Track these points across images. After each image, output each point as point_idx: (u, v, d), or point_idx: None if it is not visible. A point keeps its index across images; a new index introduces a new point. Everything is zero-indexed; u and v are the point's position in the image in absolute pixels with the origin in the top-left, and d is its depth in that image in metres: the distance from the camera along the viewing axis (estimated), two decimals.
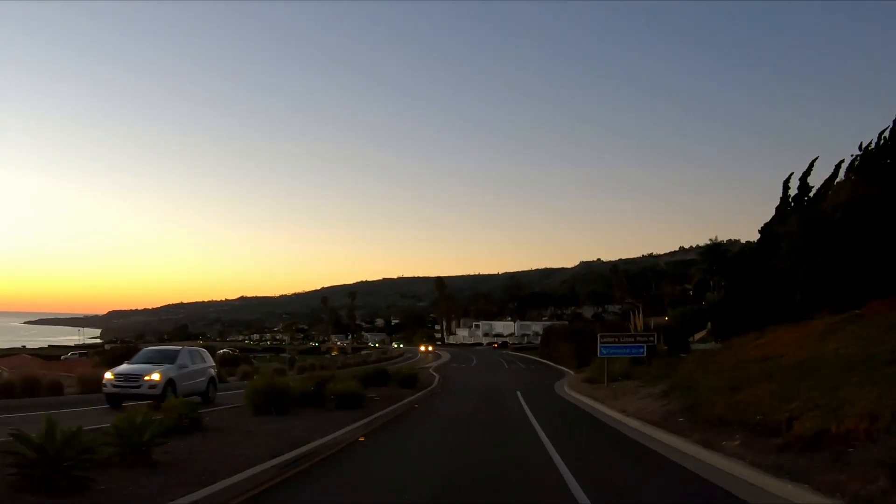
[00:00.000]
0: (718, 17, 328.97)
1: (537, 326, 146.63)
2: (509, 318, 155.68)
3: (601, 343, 23.20)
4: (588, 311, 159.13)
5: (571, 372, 38.93)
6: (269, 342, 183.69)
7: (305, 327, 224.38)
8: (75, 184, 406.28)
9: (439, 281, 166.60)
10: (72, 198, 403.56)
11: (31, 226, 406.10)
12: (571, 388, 25.78)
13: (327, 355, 79.72)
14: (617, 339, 23.91)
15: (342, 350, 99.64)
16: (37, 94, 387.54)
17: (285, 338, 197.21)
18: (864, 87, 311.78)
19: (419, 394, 22.16)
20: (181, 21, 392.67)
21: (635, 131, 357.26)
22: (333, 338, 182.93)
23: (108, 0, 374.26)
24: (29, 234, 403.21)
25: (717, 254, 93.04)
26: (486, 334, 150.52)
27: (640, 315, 38.87)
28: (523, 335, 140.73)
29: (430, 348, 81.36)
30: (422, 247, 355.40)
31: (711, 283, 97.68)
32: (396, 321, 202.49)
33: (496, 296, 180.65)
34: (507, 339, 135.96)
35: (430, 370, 41.88)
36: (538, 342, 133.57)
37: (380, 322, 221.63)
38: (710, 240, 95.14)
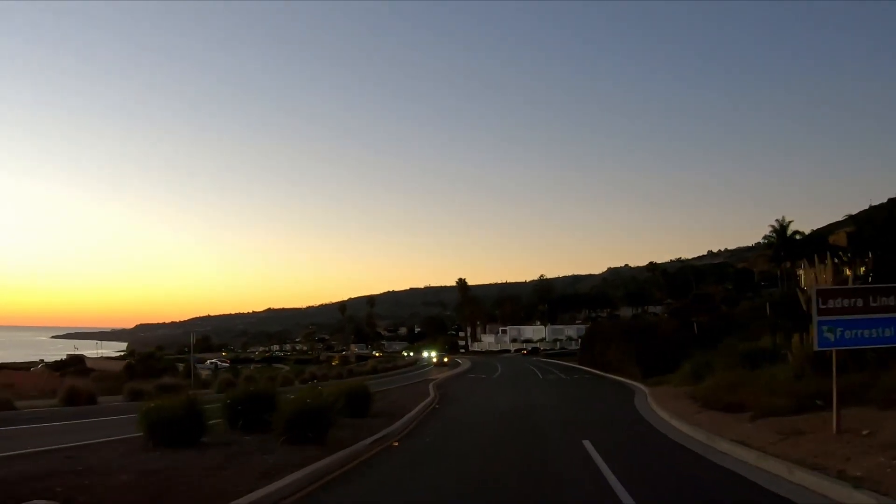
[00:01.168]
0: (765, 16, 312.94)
1: (571, 330, 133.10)
2: (539, 323, 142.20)
3: (826, 318, 9.37)
4: (626, 313, 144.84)
5: (641, 386, 25.88)
6: (288, 352, 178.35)
7: (326, 337, 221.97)
8: (103, 197, 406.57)
9: (462, 283, 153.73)
10: (100, 212, 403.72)
11: (59, 241, 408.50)
12: (703, 428, 12.07)
13: (324, 364, 67.99)
14: (867, 303, 9.21)
15: (344, 359, 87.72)
16: (64, 108, 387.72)
17: (305, 347, 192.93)
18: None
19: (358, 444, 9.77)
20: (219, 36, 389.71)
21: (659, 137, 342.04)
22: (353, 347, 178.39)
23: (139, 22, 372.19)
24: (57, 249, 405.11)
25: (786, 239, 79.00)
26: (513, 340, 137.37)
27: None
28: (555, 340, 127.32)
29: (445, 359, 66.42)
30: (448, 256, 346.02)
31: (780, 271, 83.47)
32: (420, 329, 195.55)
33: (524, 299, 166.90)
34: (538, 345, 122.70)
35: (431, 384, 29.02)
36: (572, 347, 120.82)
37: (403, 331, 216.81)
38: (777, 222, 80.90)
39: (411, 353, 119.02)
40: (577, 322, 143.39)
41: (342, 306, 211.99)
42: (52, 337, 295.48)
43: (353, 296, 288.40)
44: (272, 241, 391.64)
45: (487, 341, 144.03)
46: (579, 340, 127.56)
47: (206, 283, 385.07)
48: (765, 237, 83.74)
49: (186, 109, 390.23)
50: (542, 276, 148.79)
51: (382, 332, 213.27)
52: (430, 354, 72.35)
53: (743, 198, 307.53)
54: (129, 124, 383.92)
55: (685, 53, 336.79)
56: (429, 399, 20.25)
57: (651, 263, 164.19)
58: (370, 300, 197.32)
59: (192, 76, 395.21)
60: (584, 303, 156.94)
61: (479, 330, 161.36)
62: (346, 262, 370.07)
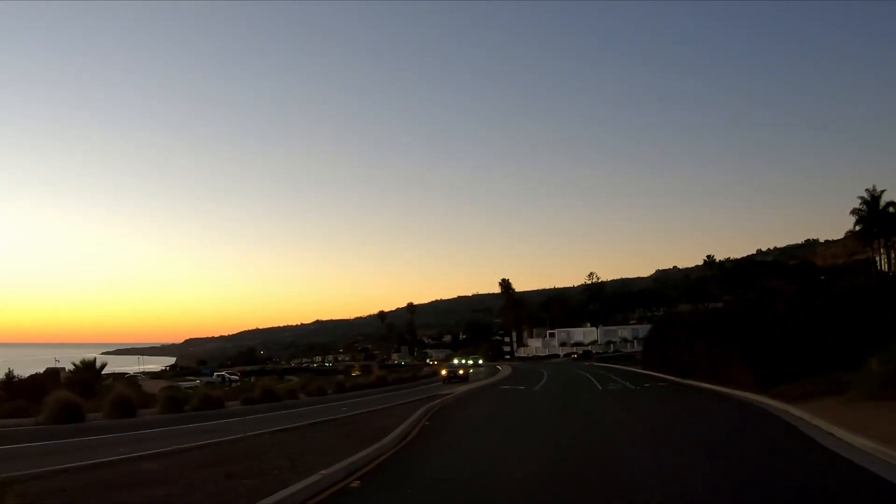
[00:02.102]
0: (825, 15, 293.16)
1: (625, 331, 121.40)
2: (589, 324, 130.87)
3: None
4: (686, 309, 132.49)
5: (769, 401, 15.69)
6: (329, 363, 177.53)
7: (369, 347, 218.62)
8: (150, 216, 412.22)
9: (505, 285, 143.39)
10: (151, 229, 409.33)
11: (112, 259, 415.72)
12: None
13: (340, 376, 59.04)
14: None
15: (365, 369, 78.96)
16: (103, 128, 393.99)
17: (348, 358, 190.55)
18: None
19: None
20: (240, 52, 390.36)
21: (700, 138, 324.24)
22: (395, 356, 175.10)
23: (138, 31, 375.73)
24: (109, 266, 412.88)
25: (879, 212, 66.70)
26: (562, 344, 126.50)
27: None
28: (608, 342, 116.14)
29: (461, 371, 41.33)
30: (494, 263, 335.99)
31: (879, 258, 71.00)
32: (464, 336, 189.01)
33: (573, 301, 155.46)
34: (589, 348, 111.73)
35: (431, 405, 19.26)
36: (628, 349, 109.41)
37: (448, 338, 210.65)
38: (867, 192, 68.49)
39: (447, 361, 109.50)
40: (632, 322, 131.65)
41: (382, 315, 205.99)
42: (103, 353, 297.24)
43: (401, 305, 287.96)
44: (320, 254, 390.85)
45: (534, 346, 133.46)
46: (635, 342, 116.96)
47: (256, 296, 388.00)
48: (854, 210, 71.05)
49: (234, 122, 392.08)
50: (591, 273, 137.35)
51: (426, 341, 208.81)
52: (461, 362, 56.52)
53: (786, 197, 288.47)
54: (174, 140, 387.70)
55: (728, 48, 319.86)
56: (388, 439, 10.78)
57: (709, 258, 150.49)
58: (410, 308, 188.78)
59: (234, 98, 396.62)
60: (637, 302, 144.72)
61: (525, 334, 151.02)
62: (393, 273, 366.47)
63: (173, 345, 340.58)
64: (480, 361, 72.27)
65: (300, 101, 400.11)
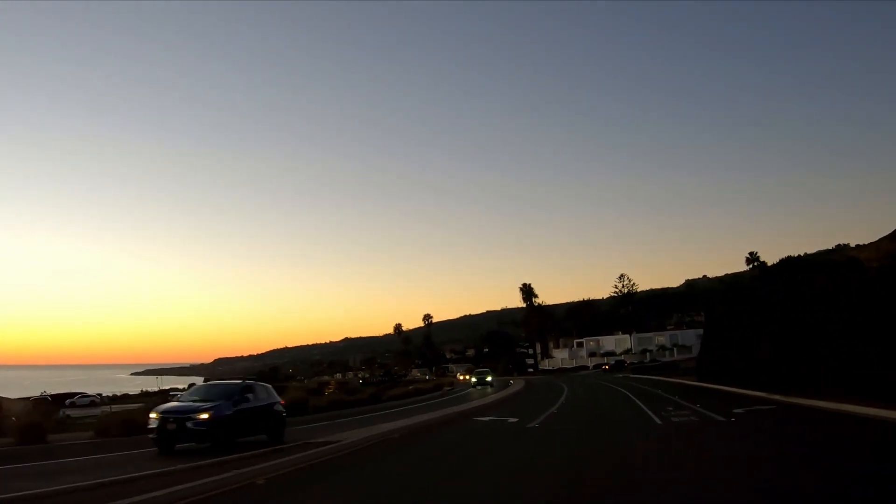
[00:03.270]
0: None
1: (662, 338, 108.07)
2: (620, 332, 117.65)
3: None
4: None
5: None
6: (343, 379, 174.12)
7: (387, 362, 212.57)
8: (182, 239, 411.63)
9: (526, 290, 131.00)
10: (183, 251, 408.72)
11: (143, 282, 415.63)
12: None
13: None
14: None
15: (341, 385, 67.19)
16: (150, 146, 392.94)
17: (366, 374, 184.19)
18: None
19: None
20: (254, 73, 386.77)
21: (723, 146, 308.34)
22: (415, 371, 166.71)
23: (147, 43, 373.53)
24: (141, 289, 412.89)
25: None
26: (591, 354, 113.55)
27: None
28: (643, 351, 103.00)
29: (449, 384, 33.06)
30: (524, 276, 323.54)
31: None
32: (486, 349, 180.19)
33: (603, 307, 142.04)
34: (622, 357, 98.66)
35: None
36: (667, 358, 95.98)
37: (471, 352, 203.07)
38: None
39: (459, 376, 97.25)
40: (669, 327, 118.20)
41: (399, 329, 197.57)
42: (132, 374, 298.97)
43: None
44: (350, 272, 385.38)
45: (560, 357, 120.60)
46: (675, 349, 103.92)
47: (286, 315, 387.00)
48: None
49: (265, 145, 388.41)
50: (622, 276, 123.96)
51: (448, 356, 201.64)
52: (461, 378, 45.34)
53: (815, 203, 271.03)
54: (207, 163, 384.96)
55: (764, 51, 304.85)
56: None
57: (751, 255, 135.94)
58: (427, 319, 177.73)
59: (264, 119, 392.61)
60: (672, 306, 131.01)
61: (550, 345, 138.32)
62: (421, 289, 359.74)
63: (203, 364, 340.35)
64: (489, 378, 58.97)
65: (328, 122, 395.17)
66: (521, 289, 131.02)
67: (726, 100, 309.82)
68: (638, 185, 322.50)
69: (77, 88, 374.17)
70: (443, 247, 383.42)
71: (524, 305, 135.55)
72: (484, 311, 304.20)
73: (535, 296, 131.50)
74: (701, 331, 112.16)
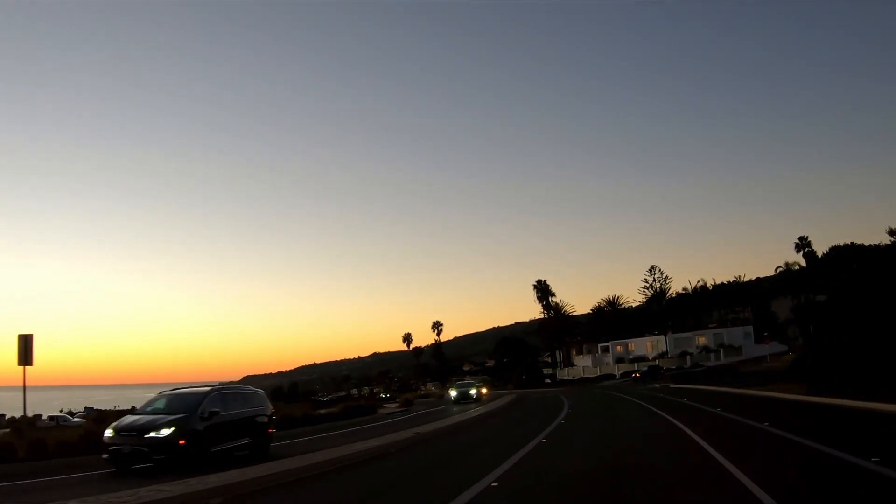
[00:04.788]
0: None
1: (705, 337, 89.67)
2: (655, 333, 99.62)
3: None
4: (784, 305, 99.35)
5: None
6: (361, 394, 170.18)
7: (403, 375, 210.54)
8: (210, 256, 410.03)
9: (542, 288, 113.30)
10: (210, 268, 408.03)
11: (172, 301, 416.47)
12: None
13: None
14: None
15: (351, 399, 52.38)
16: (167, 166, 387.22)
17: (380, 388, 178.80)
18: None
19: None
20: (268, 90, 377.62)
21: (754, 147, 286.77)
22: (430, 385, 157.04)
23: (153, 51, 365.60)
24: (166, 304, 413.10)
25: None
26: (619, 360, 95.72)
27: None
28: (682, 354, 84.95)
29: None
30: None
31: None
32: (505, 359, 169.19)
33: (629, 311, 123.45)
34: (657, 363, 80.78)
35: None
36: (712, 363, 77.54)
37: (491, 363, 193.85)
38: None
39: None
40: (711, 326, 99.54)
41: (407, 339, 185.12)
42: (160, 392, 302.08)
43: (458, 335, 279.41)
44: (377, 286, 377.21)
45: (582, 365, 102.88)
46: (721, 351, 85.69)
47: (314, 331, 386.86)
48: None
49: (292, 164, 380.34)
50: (653, 268, 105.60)
51: (466, 367, 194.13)
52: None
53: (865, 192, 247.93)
54: (245, 184, 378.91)
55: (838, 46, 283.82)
56: None
57: (801, 240, 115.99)
58: (436, 327, 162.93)
59: (291, 135, 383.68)
60: (713, 303, 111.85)
61: (573, 352, 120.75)
62: (450, 302, 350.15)
63: (231, 382, 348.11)
64: (473, 392, 45.20)
65: (358, 137, 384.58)
66: (534, 286, 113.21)
67: (758, 90, 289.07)
68: (672, 188, 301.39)
69: (105, 101, 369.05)
70: (471, 259, 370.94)
71: (544, 313, 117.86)
72: (513, 322, 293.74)
73: (552, 294, 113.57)
74: (750, 328, 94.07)
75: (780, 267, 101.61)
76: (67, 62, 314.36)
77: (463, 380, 62.61)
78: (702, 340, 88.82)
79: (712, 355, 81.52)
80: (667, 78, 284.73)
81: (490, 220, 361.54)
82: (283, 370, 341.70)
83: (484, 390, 50.38)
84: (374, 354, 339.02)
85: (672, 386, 47.90)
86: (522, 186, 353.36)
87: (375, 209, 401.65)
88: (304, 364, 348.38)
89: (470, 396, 44.23)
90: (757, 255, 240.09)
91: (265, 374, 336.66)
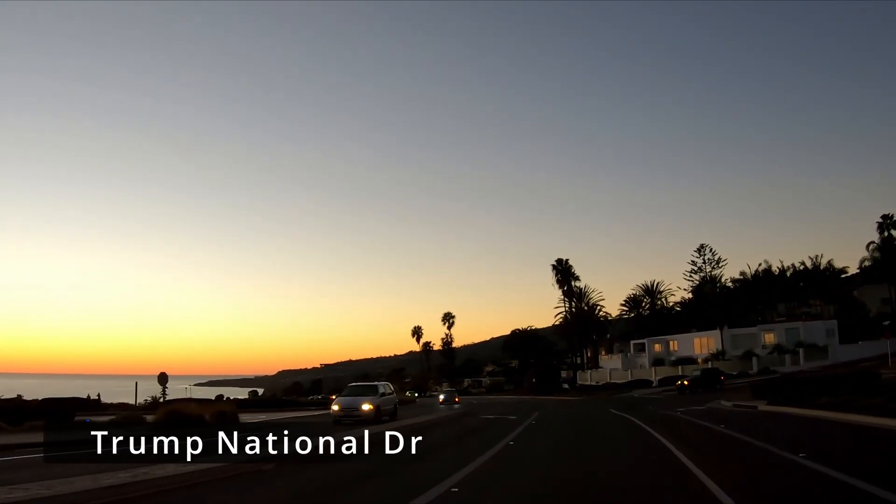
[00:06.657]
0: None
1: (776, 333, 67.01)
2: (704, 329, 77.27)
3: None
4: (874, 294, 76.28)
5: None
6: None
7: (416, 374, 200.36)
8: (247, 252, 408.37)
9: (563, 270, 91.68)
10: (249, 266, 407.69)
11: (210, 295, 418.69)
12: None
13: None
14: None
15: None
16: (191, 164, 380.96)
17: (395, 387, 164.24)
18: None
19: None
20: (286, 92, 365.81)
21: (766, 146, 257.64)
22: (445, 385, 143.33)
23: (156, 49, 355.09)
24: (203, 299, 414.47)
25: None
26: (657, 362, 74.03)
27: None
28: (745, 355, 62.75)
29: None
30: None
31: None
32: (514, 361, 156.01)
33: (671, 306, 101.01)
34: (711, 365, 58.82)
35: None
36: (787, 367, 51.39)
37: (515, 363, 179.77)
38: None
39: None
40: (780, 320, 76.79)
41: (416, 331, 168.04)
42: (195, 384, 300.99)
43: (495, 335, 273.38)
44: (415, 282, 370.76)
45: (609, 368, 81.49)
46: (801, 352, 61.72)
47: (350, 328, 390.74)
48: None
49: (320, 162, 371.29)
50: (702, 247, 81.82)
51: (489, 368, 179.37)
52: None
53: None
54: (284, 183, 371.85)
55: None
56: None
57: (887, 219, 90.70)
58: (447, 319, 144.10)
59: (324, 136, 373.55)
60: (780, 293, 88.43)
61: (601, 350, 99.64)
62: (481, 300, 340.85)
63: (266, 376, 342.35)
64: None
65: (376, 142, 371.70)
66: (553, 267, 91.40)
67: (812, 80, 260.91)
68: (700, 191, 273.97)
69: (112, 97, 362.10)
70: (502, 257, 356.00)
71: (564, 301, 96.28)
72: (549, 324, 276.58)
73: (576, 277, 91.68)
74: (834, 324, 71.40)
75: (874, 243, 77.59)
76: (73, 50, 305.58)
77: (448, 389, 73.45)
78: (769, 338, 66.51)
79: (787, 357, 59.30)
80: (728, 49, 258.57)
81: (524, 222, 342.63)
82: (318, 366, 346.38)
83: (444, 397, 54.65)
84: (410, 352, 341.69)
85: (745, 404, 26.65)
86: (541, 160, 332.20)
87: (417, 210, 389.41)
88: (340, 360, 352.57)
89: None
90: (828, 237, 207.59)
91: (299, 370, 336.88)
